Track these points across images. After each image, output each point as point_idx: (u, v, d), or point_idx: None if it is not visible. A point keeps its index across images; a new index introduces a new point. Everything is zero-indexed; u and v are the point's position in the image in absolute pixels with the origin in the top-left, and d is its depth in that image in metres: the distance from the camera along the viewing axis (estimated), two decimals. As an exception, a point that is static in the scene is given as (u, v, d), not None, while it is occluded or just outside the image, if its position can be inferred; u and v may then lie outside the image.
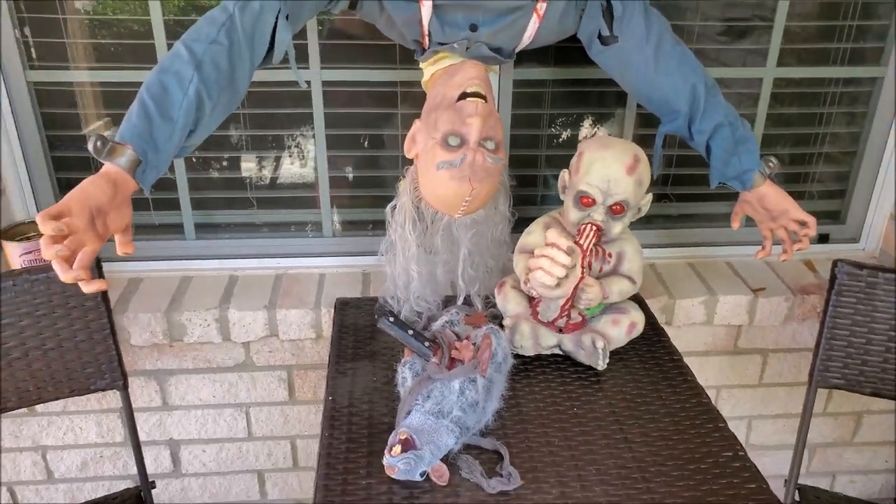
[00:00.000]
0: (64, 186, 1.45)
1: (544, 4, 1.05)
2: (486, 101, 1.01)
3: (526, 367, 1.15)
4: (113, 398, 1.48)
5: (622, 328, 1.16)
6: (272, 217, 1.53)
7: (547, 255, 1.00)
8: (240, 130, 1.44)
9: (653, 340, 1.23)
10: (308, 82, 1.37)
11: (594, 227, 1.08)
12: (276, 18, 0.95)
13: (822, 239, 1.62)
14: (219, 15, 0.93)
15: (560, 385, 1.12)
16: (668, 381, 1.13)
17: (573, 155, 1.14)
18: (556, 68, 1.43)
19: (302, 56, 1.35)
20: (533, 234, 1.19)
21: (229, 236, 1.52)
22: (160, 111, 0.87)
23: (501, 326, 1.16)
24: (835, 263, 1.25)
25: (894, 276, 1.23)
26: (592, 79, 1.43)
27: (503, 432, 1.00)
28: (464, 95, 1.01)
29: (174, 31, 1.32)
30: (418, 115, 1.11)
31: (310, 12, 1.03)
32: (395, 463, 0.87)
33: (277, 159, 1.49)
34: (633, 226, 1.15)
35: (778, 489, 0.95)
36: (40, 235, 1.33)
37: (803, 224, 1.18)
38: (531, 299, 1.18)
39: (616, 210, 1.09)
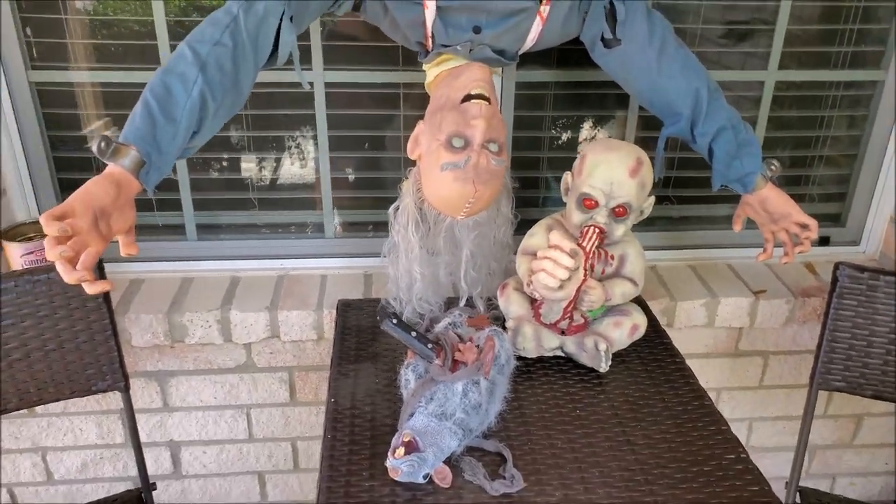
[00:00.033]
0: (65, 187, 1.45)
1: (547, 7, 1.05)
2: (490, 104, 1.01)
3: (528, 369, 1.15)
4: (113, 399, 1.48)
5: (624, 330, 1.16)
6: (274, 218, 1.52)
7: (550, 258, 1.00)
8: (242, 131, 1.44)
9: (654, 342, 1.23)
10: (310, 83, 1.37)
11: (597, 230, 1.08)
12: (280, 20, 0.95)
13: (823, 242, 1.62)
14: (223, 16, 0.93)
15: (562, 387, 1.12)
16: (670, 384, 1.13)
17: (575, 157, 1.15)
18: (559, 70, 1.43)
19: (304, 57, 1.35)
20: (535, 237, 1.19)
21: (231, 237, 1.52)
22: (164, 112, 0.87)
23: (504, 328, 1.16)
24: (836, 266, 1.26)
25: (895, 279, 1.23)
26: (594, 81, 1.44)
27: (506, 434, 1.00)
28: (468, 97, 1.01)
29: (175, 31, 1.32)
30: (420, 117, 1.11)
31: (314, 14, 1.04)
32: (399, 465, 0.87)
33: (279, 160, 1.49)
34: (635, 228, 1.15)
35: (777, 491, 0.95)
36: (42, 236, 1.35)
37: (805, 227, 1.18)
38: (533, 301, 1.18)
39: (619, 212, 1.09)
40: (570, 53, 1.35)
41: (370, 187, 1.54)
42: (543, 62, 1.42)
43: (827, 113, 1.55)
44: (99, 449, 1.54)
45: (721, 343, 1.56)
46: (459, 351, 1.00)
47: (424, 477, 0.89)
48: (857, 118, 1.56)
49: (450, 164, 0.99)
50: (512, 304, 1.19)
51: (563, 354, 1.18)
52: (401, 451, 0.87)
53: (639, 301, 1.28)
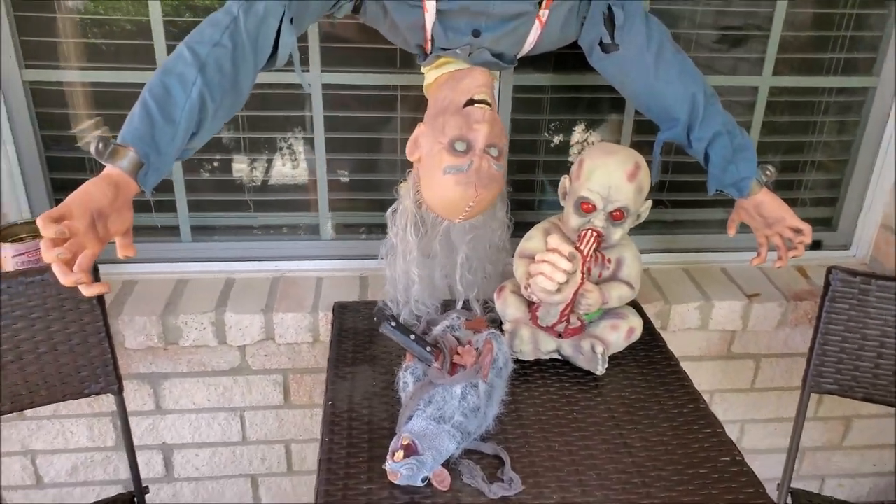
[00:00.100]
0: (58, 187, 1.43)
1: (546, 11, 1.06)
2: (491, 109, 1.01)
3: (525, 371, 1.16)
4: (104, 402, 1.46)
5: (621, 333, 1.17)
6: (269, 220, 1.52)
7: (548, 261, 1.01)
8: (237, 133, 1.43)
9: (650, 345, 1.24)
10: (308, 85, 1.37)
11: (594, 233, 1.09)
12: (281, 21, 0.95)
13: (815, 246, 1.64)
14: (222, 17, 0.92)
15: (559, 390, 1.12)
16: (665, 387, 1.14)
17: (572, 160, 1.15)
18: (556, 74, 1.44)
19: (302, 59, 1.35)
20: (533, 240, 1.19)
21: (225, 239, 1.51)
22: (163, 113, 0.87)
23: (501, 331, 1.16)
24: (829, 270, 1.27)
25: (886, 283, 1.25)
26: (591, 85, 1.44)
27: (503, 437, 1.00)
28: (471, 102, 1.01)
29: (168, 30, 1.31)
30: (417, 120, 1.11)
31: (314, 15, 1.03)
32: (398, 468, 0.87)
33: (275, 162, 1.49)
34: (630, 231, 1.16)
35: (769, 493, 0.96)
36: (34, 237, 1.33)
37: (798, 231, 1.19)
38: (531, 304, 1.18)
39: (616, 216, 1.09)
40: (568, 57, 1.35)
41: (366, 189, 1.53)
42: (541, 66, 1.42)
43: (819, 118, 1.56)
44: (90, 452, 1.52)
45: (714, 346, 1.57)
46: (458, 354, 1.00)
47: (423, 480, 0.89)
48: (849, 124, 1.58)
49: (452, 167, 0.99)
50: (509, 307, 1.20)
51: (559, 357, 1.18)
52: (400, 454, 0.87)
53: (634, 304, 1.29)
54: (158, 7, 1.29)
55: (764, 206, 1.19)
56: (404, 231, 1.12)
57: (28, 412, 1.45)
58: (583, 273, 1.07)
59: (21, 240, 1.33)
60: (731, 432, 1.68)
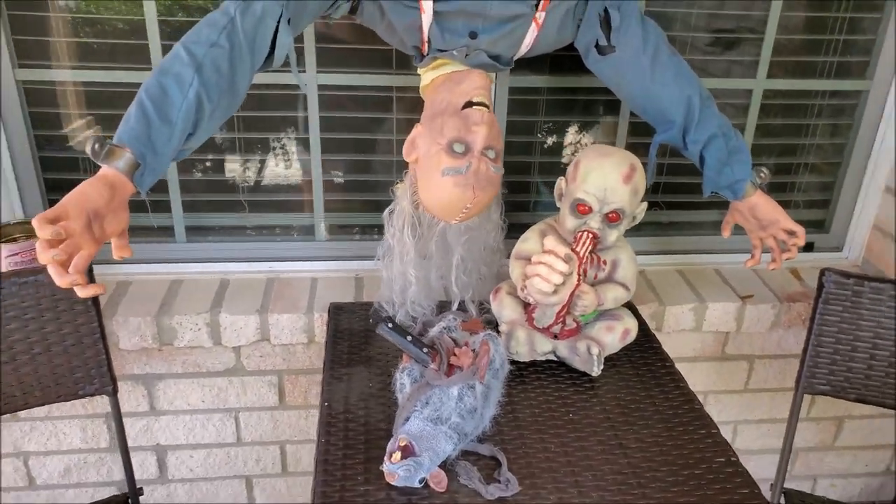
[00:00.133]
0: (51, 187, 1.43)
1: (543, 13, 1.06)
2: (489, 111, 1.02)
3: (521, 373, 1.16)
4: (98, 403, 1.46)
5: (616, 335, 1.17)
6: (264, 220, 1.51)
7: (544, 263, 1.01)
8: (232, 133, 1.43)
9: (645, 347, 1.25)
10: (305, 85, 1.37)
11: (590, 235, 1.09)
12: (278, 22, 0.94)
13: (807, 248, 1.65)
14: (219, 18, 0.92)
15: (555, 391, 1.12)
16: (660, 388, 1.14)
17: (567, 162, 1.16)
18: (552, 76, 1.44)
19: (298, 60, 1.34)
20: (529, 241, 1.19)
21: (220, 239, 1.50)
22: (159, 114, 0.86)
23: (497, 332, 1.16)
24: (822, 272, 1.28)
25: (879, 285, 1.26)
26: (587, 87, 1.45)
27: (500, 438, 1.00)
28: (469, 104, 1.01)
29: (164, 30, 1.30)
30: (413, 121, 1.11)
31: (311, 16, 1.03)
32: (396, 470, 0.87)
33: (270, 162, 1.49)
34: (625, 233, 1.17)
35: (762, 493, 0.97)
36: (27, 237, 1.33)
37: (792, 233, 1.20)
38: (526, 305, 1.18)
39: (612, 218, 1.10)
40: (563, 59, 1.36)
41: (361, 190, 1.53)
42: (536, 68, 1.43)
43: (812, 121, 1.58)
44: (83, 453, 1.52)
45: (708, 347, 1.58)
46: (455, 355, 1.00)
47: (420, 481, 0.89)
48: (842, 127, 1.59)
49: (451, 169, 1.00)
50: (505, 309, 1.20)
51: (555, 358, 1.19)
52: (397, 455, 0.87)
53: (629, 305, 1.29)
54: (153, 6, 1.28)
55: (758, 208, 1.20)
56: (401, 232, 1.12)
57: (21, 413, 1.44)
58: (579, 275, 1.08)
59: (14, 240, 1.32)
60: (725, 433, 1.68)
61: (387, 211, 1.15)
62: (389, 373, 1.10)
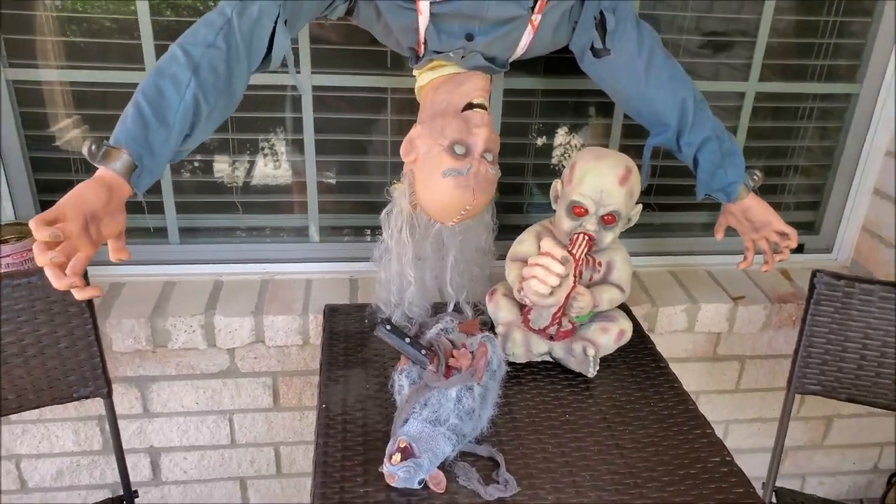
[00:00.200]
0: (42, 188, 1.41)
1: (539, 16, 1.06)
2: (488, 113, 1.02)
3: (517, 374, 1.16)
4: (90, 405, 1.45)
5: (611, 336, 1.18)
6: (258, 221, 1.51)
7: (541, 265, 1.01)
8: (226, 134, 1.42)
9: (639, 348, 1.26)
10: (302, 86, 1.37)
11: (586, 237, 1.10)
12: (275, 23, 0.94)
13: (797, 249, 1.66)
14: (216, 18, 0.91)
15: (551, 392, 1.13)
16: (655, 388, 1.15)
17: (561, 164, 1.16)
18: (546, 78, 1.45)
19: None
20: (525, 243, 1.20)
21: (214, 241, 1.50)
22: (156, 115, 0.86)
23: (493, 333, 1.16)
24: (813, 274, 1.29)
25: (870, 286, 1.28)
26: (581, 89, 1.46)
27: (497, 439, 1.01)
28: (470, 105, 1.01)
29: (157, 30, 1.30)
30: (407, 121, 1.11)
31: (307, 17, 1.03)
32: (396, 471, 0.87)
33: (263, 163, 1.48)
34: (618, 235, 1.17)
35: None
36: (18, 239, 1.31)
37: (784, 236, 1.22)
38: (522, 307, 1.19)
39: (608, 220, 1.11)
40: (558, 62, 1.37)
41: (356, 191, 1.53)
42: (531, 70, 1.43)
43: (802, 124, 1.59)
44: (75, 456, 1.50)
45: (700, 347, 1.59)
46: (453, 357, 1.00)
47: (420, 482, 0.89)
48: (831, 129, 1.61)
49: (453, 170, 1.00)
50: (501, 310, 1.20)
51: (551, 359, 1.19)
52: (397, 457, 0.87)
53: (623, 307, 1.30)
54: (146, 6, 1.28)
55: (751, 210, 1.21)
56: (399, 233, 1.12)
57: (13, 416, 1.43)
58: (575, 276, 1.08)
59: (5, 242, 1.31)
60: (716, 432, 1.71)
61: (384, 212, 1.15)
62: (386, 374, 1.10)
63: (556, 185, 1.16)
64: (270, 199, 1.50)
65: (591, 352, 1.13)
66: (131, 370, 1.42)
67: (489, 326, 1.22)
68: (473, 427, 0.98)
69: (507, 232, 1.30)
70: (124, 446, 1.46)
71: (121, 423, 1.44)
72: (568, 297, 1.10)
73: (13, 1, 1.26)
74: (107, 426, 1.42)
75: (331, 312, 1.33)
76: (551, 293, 1.02)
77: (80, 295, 0.79)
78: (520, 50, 1.11)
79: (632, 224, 1.18)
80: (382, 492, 0.90)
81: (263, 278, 1.49)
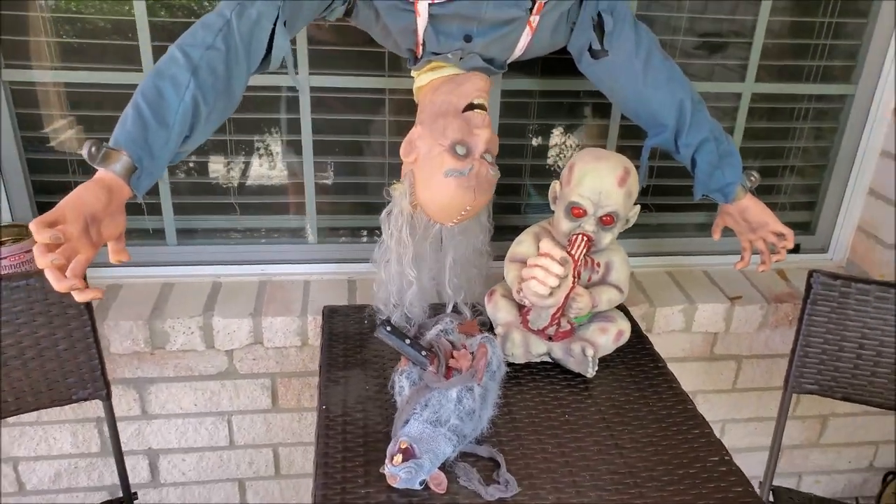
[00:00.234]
0: (39, 189, 1.40)
1: (537, 17, 1.07)
2: (488, 114, 1.03)
3: (517, 374, 1.17)
4: (88, 407, 1.44)
5: (610, 336, 1.18)
6: (255, 223, 1.51)
7: (540, 265, 1.02)
8: (224, 135, 1.42)
9: (637, 348, 1.26)
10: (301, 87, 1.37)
11: (585, 238, 1.10)
12: (274, 24, 0.94)
13: (793, 249, 1.66)
14: (215, 20, 0.91)
15: (550, 392, 1.13)
16: (653, 388, 1.16)
17: (559, 165, 1.16)
18: (544, 79, 1.45)
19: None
20: (524, 244, 1.20)
21: (212, 242, 1.49)
22: (156, 117, 0.86)
23: (493, 334, 1.17)
24: (810, 274, 1.30)
25: (866, 286, 1.29)
26: (578, 90, 1.46)
27: (497, 440, 1.01)
28: (470, 106, 1.02)
29: (155, 31, 1.29)
30: (405, 122, 1.11)
31: (306, 18, 1.03)
32: (397, 472, 0.87)
33: (262, 164, 1.48)
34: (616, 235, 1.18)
35: (750, 490, 0.98)
36: (16, 241, 1.31)
37: (781, 236, 1.22)
38: (521, 307, 1.19)
39: (606, 221, 1.11)
40: (555, 63, 1.37)
41: (354, 192, 1.53)
42: (528, 71, 1.44)
43: (798, 125, 1.60)
44: (73, 458, 1.50)
45: (697, 347, 1.60)
46: (453, 358, 1.00)
47: (421, 483, 0.89)
48: (827, 130, 1.62)
49: (454, 170, 1.00)
50: (500, 311, 1.21)
51: (550, 360, 1.20)
52: (398, 457, 0.88)
53: (621, 307, 1.31)
54: (143, 7, 1.27)
55: (748, 211, 1.22)
56: (400, 233, 1.12)
57: (10, 418, 1.42)
58: (574, 277, 1.09)
59: (4, 244, 1.30)
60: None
61: (385, 212, 1.15)
62: (386, 375, 1.11)
63: (555, 186, 1.16)
64: (268, 201, 1.50)
65: (589, 352, 1.14)
66: (130, 372, 1.41)
67: (488, 327, 1.22)
68: (474, 428, 0.98)
69: (505, 233, 1.31)
70: (123, 448, 1.46)
71: (119, 425, 1.43)
72: (567, 297, 1.10)
73: (9, 1, 1.25)
74: (105, 428, 1.41)
75: (330, 313, 1.33)
76: (550, 294, 1.03)
77: (80, 297, 0.79)
78: (518, 51, 1.12)
79: (630, 225, 1.18)
80: (384, 492, 0.90)
81: (261, 279, 1.49)
